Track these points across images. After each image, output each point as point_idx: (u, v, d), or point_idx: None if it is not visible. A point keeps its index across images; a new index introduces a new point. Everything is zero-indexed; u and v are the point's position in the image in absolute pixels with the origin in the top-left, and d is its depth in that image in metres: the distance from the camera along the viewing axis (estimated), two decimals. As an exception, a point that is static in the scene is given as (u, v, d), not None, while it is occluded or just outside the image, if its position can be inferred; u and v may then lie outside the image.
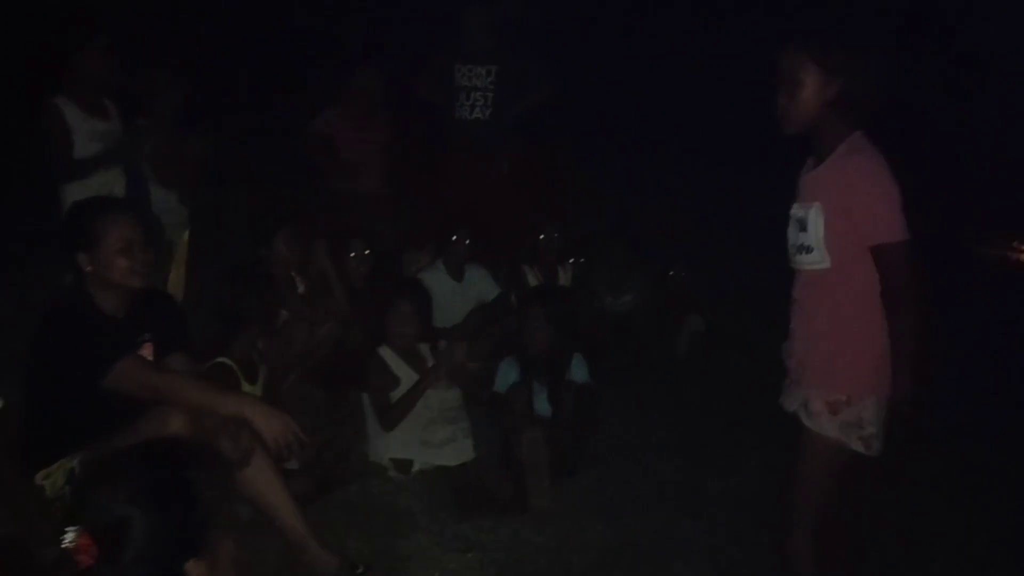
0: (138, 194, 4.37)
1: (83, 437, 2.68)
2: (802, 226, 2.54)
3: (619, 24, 6.90)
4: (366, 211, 5.58)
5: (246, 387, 3.39)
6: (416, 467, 3.75)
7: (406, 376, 3.82)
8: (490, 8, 5.63)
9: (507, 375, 3.95)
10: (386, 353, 3.83)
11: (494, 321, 4.92)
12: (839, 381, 2.52)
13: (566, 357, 3.98)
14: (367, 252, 4.69)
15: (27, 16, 6.07)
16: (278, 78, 6.59)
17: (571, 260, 5.56)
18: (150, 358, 2.91)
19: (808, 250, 2.53)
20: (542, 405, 3.90)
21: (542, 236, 5.35)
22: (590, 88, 6.82)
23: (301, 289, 4.38)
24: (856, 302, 2.49)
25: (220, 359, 3.37)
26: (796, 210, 2.60)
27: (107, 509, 1.49)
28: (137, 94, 4.47)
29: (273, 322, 3.73)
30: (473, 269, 5.07)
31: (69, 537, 1.48)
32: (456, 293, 4.95)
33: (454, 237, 4.95)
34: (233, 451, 2.62)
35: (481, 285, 5.08)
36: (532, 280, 5.28)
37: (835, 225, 2.46)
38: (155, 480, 1.54)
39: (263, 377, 3.59)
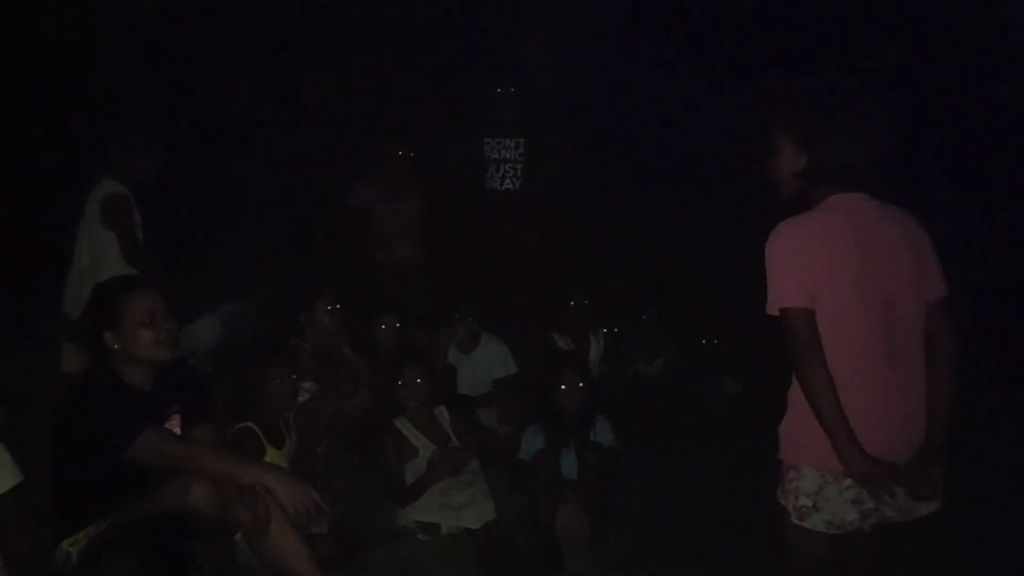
0: None
1: (109, 505, 2.73)
2: None
3: (648, 91, 7.02)
4: (398, 281, 5.71)
5: (271, 453, 3.43)
6: (444, 529, 3.75)
7: (423, 446, 3.85)
8: (517, 82, 5.80)
9: (532, 442, 3.97)
10: (403, 424, 3.86)
11: (517, 392, 4.92)
12: (780, 446, 2.45)
13: (591, 420, 3.99)
14: (397, 325, 4.75)
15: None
16: (312, 148, 6.81)
17: (603, 328, 5.58)
18: (177, 430, 2.98)
19: None
20: (569, 468, 3.89)
21: (572, 303, 5.39)
22: (619, 155, 6.93)
23: (348, 354, 4.46)
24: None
25: (245, 424, 3.42)
26: None
27: (124, 571, 1.53)
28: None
29: (295, 395, 3.78)
30: (488, 341, 5.07)
31: None
32: (463, 367, 4.99)
33: (456, 316, 5.00)
34: (251, 519, 2.65)
35: (492, 359, 5.04)
36: (562, 347, 5.29)
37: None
38: (164, 551, 1.58)
39: (290, 444, 3.63)
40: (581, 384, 3.98)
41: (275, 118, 6.82)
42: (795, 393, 2.37)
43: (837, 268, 2.30)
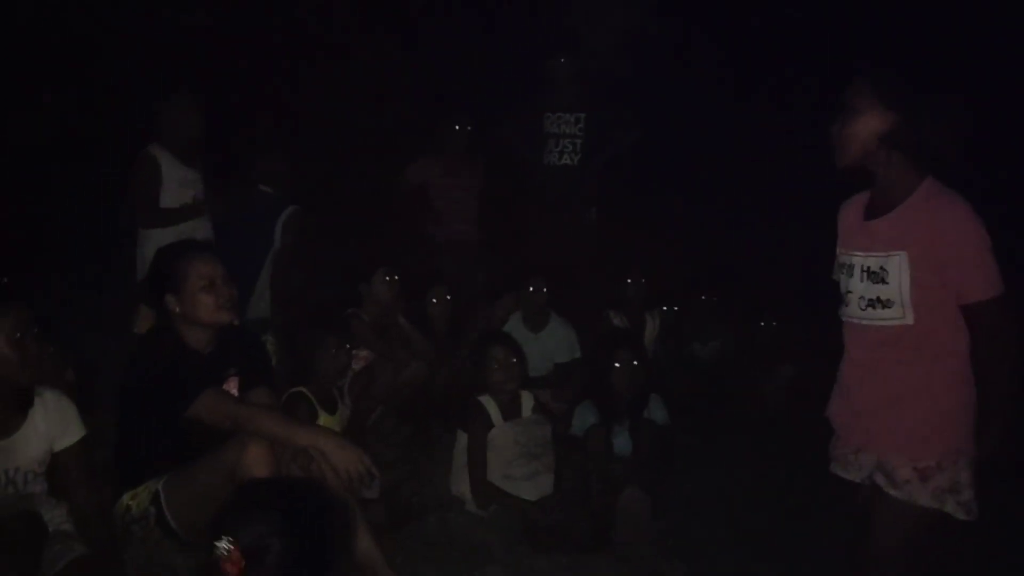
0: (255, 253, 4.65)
1: (167, 462, 2.81)
2: (878, 278, 2.37)
3: (712, 69, 6.90)
4: (456, 257, 5.73)
5: (324, 418, 3.48)
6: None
7: (499, 423, 3.82)
8: (578, 56, 5.75)
9: (584, 417, 3.95)
10: (486, 401, 3.84)
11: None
12: (928, 446, 2.35)
13: (644, 398, 3.96)
14: (448, 298, 4.76)
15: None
16: (374, 124, 6.84)
17: (659, 307, 5.53)
18: (235, 392, 3.03)
19: (886, 304, 2.36)
20: (622, 445, 3.88)
21: (629, 282, 5.35)
22: (679, 134, 6.83)
23: (404, 325, 4.49)
24: (943, 362, 2.34)
25: (299, 389, 3.48)
26: (861, 258, 2.43)
27: (256, 531, 1.58)
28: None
29: (348, 364, 3.82)
30: (557, 324, 5.02)
31: (223, 546, 1.58)
32: (528, 345, 4.84)
33: (531, 288, 4.96)
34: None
35: (559, 342, 4.98)
36: (618, 325, 5.26)
37: (923, 278, 2.31)
38: (299, 515, 1.63)
39: (342, 411, 3.68)
40: (635, 362, 3.95)
41: (338, 94, 6.86)
42: (943, 391, 2.35)
43: None
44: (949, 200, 2.31)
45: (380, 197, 6.00)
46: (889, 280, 2.35)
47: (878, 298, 2.38)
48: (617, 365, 3.93)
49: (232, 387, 3.03)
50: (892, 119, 2.31)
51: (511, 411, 3.83)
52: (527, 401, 3.89)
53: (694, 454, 4.54)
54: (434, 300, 4.76)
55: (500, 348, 3.87)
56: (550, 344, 4.99)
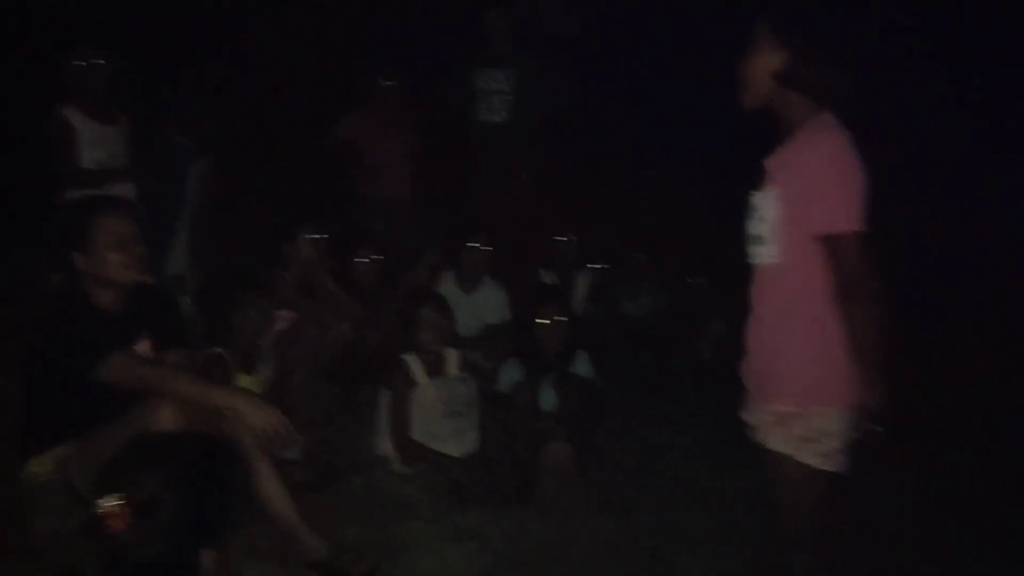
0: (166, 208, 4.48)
1: (77, 427, 2.72)
2: (758, 215, 2.31)
3: (642, 29, 6.85)
4: (387, 215, 5.65)
5: (242, 379, 3.41)
6: (423, 460, 3.75)
7: (424, 382, 3.78)
8: (510, 12, 5.66)
9: (511, 374, 3.94)
10: (411, 359, 3.80)
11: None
12: (787, 391, 2.27)
13: (571, 354, 3.97)
14: (377, 257, 4.69)
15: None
16: (304, 80, 6.66)
17: (590, 266, 5.54)
18: (148, 353, 2.94)
19: (761, 241, 2.30)
20: (548, 401, 3.87)
21: (560, 241, 5.34)
22: (611, 93, 6.81)
23: (329, 285, 4.41)
24: (807, 302, 2.23)
25: (216, 350, 3.40)
26: (755, 198, 2.35)
27: (146, 486, 1.55)
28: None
29: (268, 325, 3.74)
30: (490, 287, 4.97)
31: (108, 502, 1.53)
32: (461, 305, 4.83)
33: (470, 244, 4.91)
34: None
35: (491, 303, 4.93)
36: (549, 283, 5.25)
37: (787, 214, 2.22)
38: (193, 469, 1.60)
39: (264, 371, 3.61)
40: (561, 318, 3.94)
41: (264, 46, 6.65)
42: (811, 334, 2.24)
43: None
44: (828, 135, 2.21)
45: (309, 152, 5.86)
46: (764, 217, 2.28)
47: (759, 235, 2.32)
48: (543, 321, 3.92)
49: (145, 348, 2.95)
50: (784, 57, 2.24)
51: (436, 369, 3.80)
52: (452, 359, 3.86)
53: (624, 410, 4.56)
54: (362, 260, 4.68)
55: (429, 307, 3.83)
56: (482, 305, 4.96)
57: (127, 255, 2.84)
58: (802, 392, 2.26)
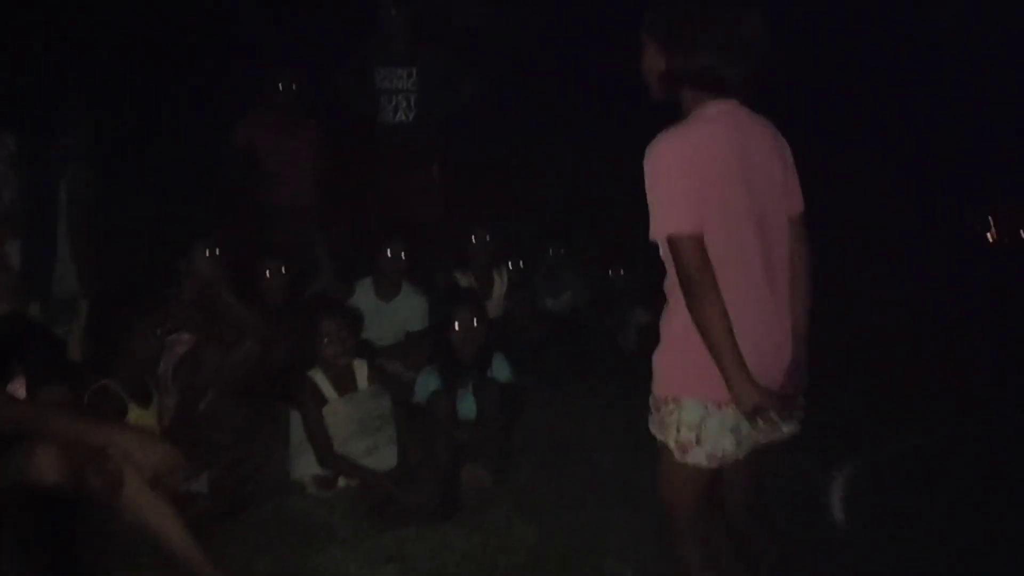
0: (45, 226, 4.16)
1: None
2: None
3: (551, 14, 6.74)
4: (289, 224, 5.44)
5: (135, 412, 3.18)
6: (341, 482, 3.59)
7: (332, 398, 3.64)
8: (410, 8, 5.49)
9: (427, 384, 3.80)
10: (316, 375, 3.65)
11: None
12: (657, 377, 2.26)
13: (487, 358, 3.85)
14: (282, 269, 4.49)
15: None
16: (194, 83, 6.36)
17: (507, 264, 5.42)
18: (22, 391, 2.74)
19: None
20: (466, 409, 3.75)
21: (473, 240, 5.20)
22: (522, 85, 6.69)
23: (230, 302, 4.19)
24: (672, 293, 2.19)
25: (103, 382, 3.16)
26: None
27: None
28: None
29: (161, 350, 3.51)
30: (408, 292, 4.83)
31: None
32: (380, 314, 4.74)
33: (388, 252, 4.74)
34: (102, 483, 2.45)
35: (411, 311, 4.78)
36: (465, 285, 5.12)
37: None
38: (33, 522, 1.43)
39: (159, 400, 3.39)
40: (474, 321, 3.81)
41: (150, 47, 6.32)
42: (673, 323, 2.19)
43: (725, 184, 2.10)
44: (665, 133, 2.14)
45: (204, 160, 5.59)
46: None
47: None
48: (456, 326, 3.78)
49: (19, 387, 2.73)
50: (665, 55, 2.18)
51: (345, 384, 3.65)
52: (361, 372, 3.71)
53: (547, 408, 4.47)
54: (267, 273, 4.47)
55: (331, 320, 3.66)
56: (402, 313, 4.81)
57: None
58: (666, 380, 2.23)
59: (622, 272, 5.73)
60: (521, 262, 5.53)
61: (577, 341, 5.47)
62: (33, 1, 5.17)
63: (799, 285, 2.29)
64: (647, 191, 2.12)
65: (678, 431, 2.19)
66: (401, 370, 4.60)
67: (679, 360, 2.19)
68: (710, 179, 2.09)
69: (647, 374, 2.55)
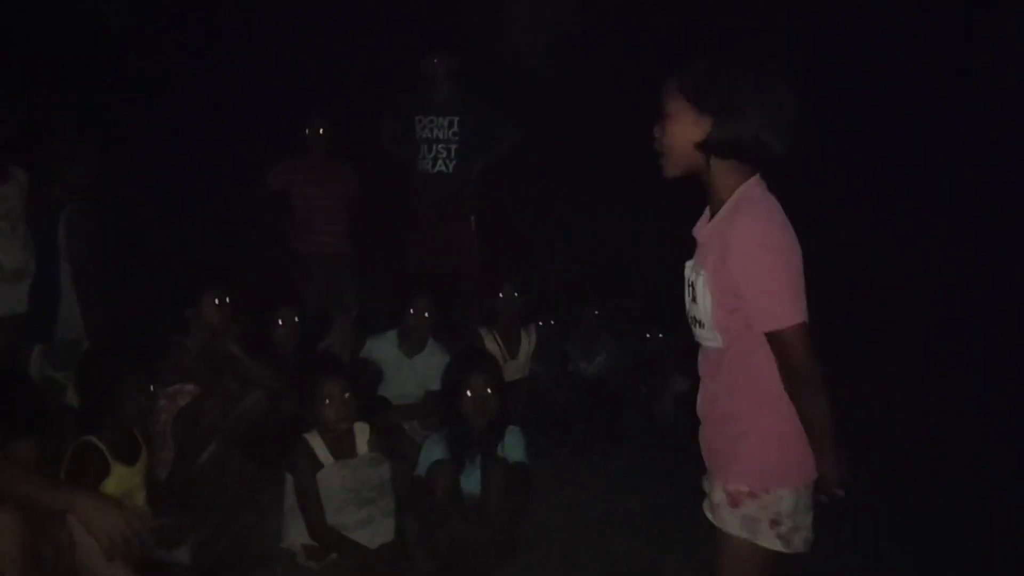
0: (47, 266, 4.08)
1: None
2: (692, 296, 2.17)
3: (596, 72, 6.61)
4: (322, 272, 5.33)
5: (119, 469, 3.00)
6: (333, 554, 3.36)
7: (328, 463, 3.42)
8: (451, 57, 5.40)
9: (431, 453, 3.57)
10: (313, 438, 3.44)
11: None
12: (741, 471, 2.17)
13: (499, 431, 3.60)
14: (295, 318, 4.33)
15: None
16: (232, 127, 6.35)
17: (536, 322, 5.19)
18: None
19: (700, 324, 2.18)
20: (472, 484, 3.50)
21: (501, 295, 5.00)
22: (564, 139, 6.54)
23: (236, 352, 4.05)
24: (759, 385, 2.12)
25: (86, 439, 2.99)
26: (688, 270, 2.22)
27: None
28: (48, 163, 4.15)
29: (152, 406, 3.33)
30: (433, 349, 4.63)
31: None
32: (402, 369, 4.55)
33: (413, 310, 4.57)
34: (52, 552, 2.28)
35: (434, 368, 4.46)
36: (490, 344, 4.91)
37: (722, 300, 2.09)
38: None
39: (151, 455, 3.22)
40: (490, 389, 3.58)
41: (189, 88, 6.34)
42: (766, 414, 2.14)
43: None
44: (749, 211, 2.04)
45: (238, 204, 5.54)
46: (698, 300, 2.15)
47: (695, 318, 2.20)
48: (468, 392, 3.56)
49: (-15, 441, 2.59)
50: (706, 124, 2.04)
51: (343, 449, 3.43)
52: (362, 436, 3.50)
53: (569, 483, 4.21)
54: (280, 322, 4.32)
55: (333, 382, 3.46)
56: (424, 370, 4.59)
57: None
58: (757, 474, 2.17)
59: (660, 336, 5.44)
60: (552, 321, 5.29)
61: (609, 408, 5.20)
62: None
63: None
64: (748, 277, 2.03)
65: (779, 523, 2.15)
66: (417, 429, 4.41)
67: (775, 452, 2.15)
68: (799, 264, 2.07)
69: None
